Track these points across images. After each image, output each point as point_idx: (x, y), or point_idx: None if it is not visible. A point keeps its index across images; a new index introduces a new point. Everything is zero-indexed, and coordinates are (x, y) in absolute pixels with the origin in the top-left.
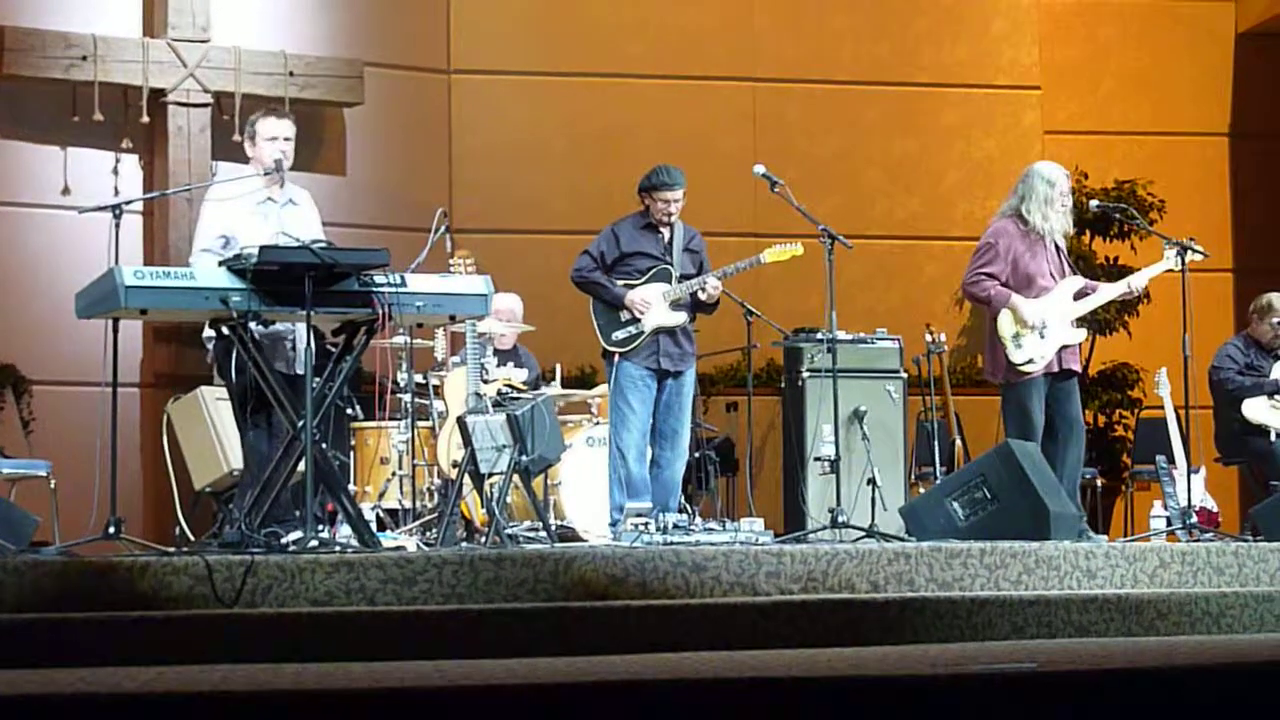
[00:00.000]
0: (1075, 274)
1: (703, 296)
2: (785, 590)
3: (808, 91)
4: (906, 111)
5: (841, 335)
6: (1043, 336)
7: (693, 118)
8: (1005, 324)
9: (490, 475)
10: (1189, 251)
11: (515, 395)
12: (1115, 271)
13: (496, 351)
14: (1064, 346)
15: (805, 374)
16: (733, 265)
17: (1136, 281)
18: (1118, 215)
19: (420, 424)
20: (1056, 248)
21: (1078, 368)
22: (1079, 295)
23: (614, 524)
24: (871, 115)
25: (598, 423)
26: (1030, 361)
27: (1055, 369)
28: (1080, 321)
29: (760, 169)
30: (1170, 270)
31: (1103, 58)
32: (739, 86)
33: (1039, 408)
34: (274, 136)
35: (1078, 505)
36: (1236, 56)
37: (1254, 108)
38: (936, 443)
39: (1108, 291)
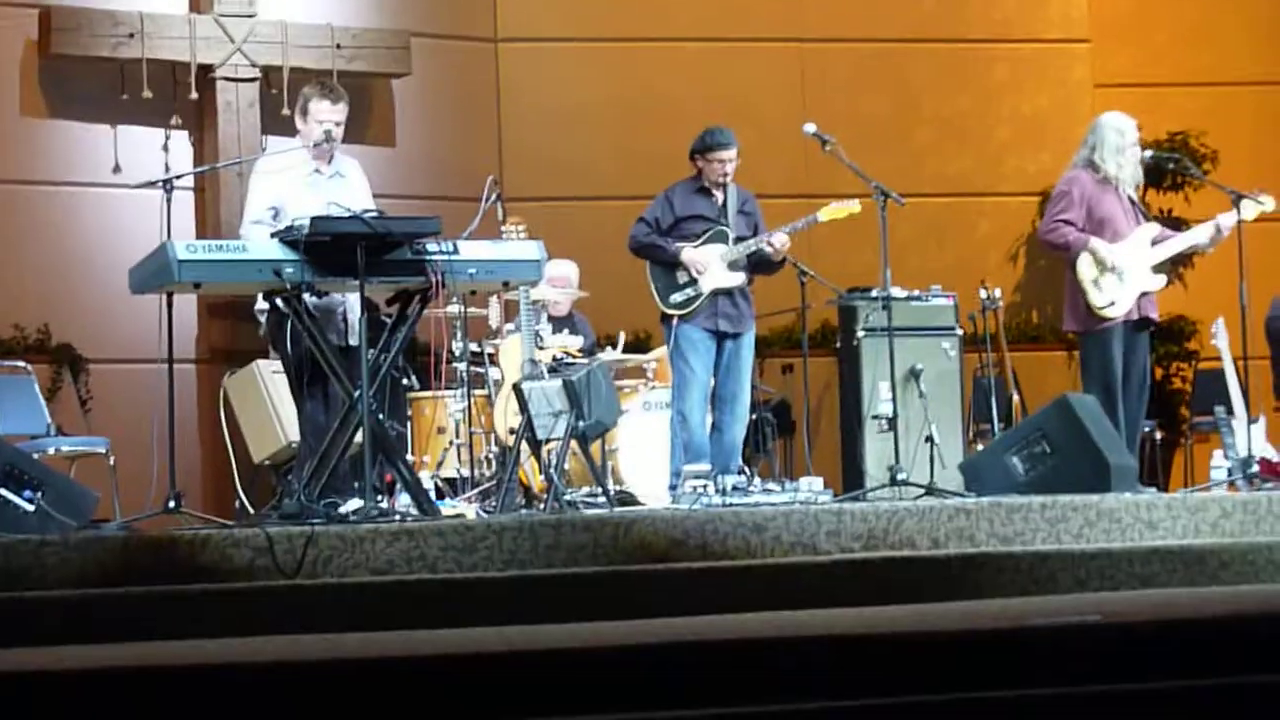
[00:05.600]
0: (1150, 221)
1: (769, 252)
2: (846, 549)
3: (855, 50)
4: (955, 68)
5: (896, 293)
6: (1122, 280)
7: (740, 80)
8: (1085, 267)
9: (547, 441)
10: (1245, 200)
11: (570, 361)
12: (1169, 223)
13: (551, 319)
14: (1143, 293)
15: (861, 333)
16: (790, 225)
17: (1225, 220)
18: (1171, 165)
19: (476, 392)
20: (1130, 199)
21: (1156, 316)
22: (1156, 241)
23: (673, 487)
24: (920, 73)
25: (654, 387)
26: (1112, 304)
27: (1135, 316)
28: (1159, 268)
29: (811, 127)
30: (1265, 213)
31: (1155, 7)
32: (786, 47)
33: (1119, 357)
34: (323, 120)
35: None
36: None
37: None
38: (994, 399)
39: (1190, 236)
